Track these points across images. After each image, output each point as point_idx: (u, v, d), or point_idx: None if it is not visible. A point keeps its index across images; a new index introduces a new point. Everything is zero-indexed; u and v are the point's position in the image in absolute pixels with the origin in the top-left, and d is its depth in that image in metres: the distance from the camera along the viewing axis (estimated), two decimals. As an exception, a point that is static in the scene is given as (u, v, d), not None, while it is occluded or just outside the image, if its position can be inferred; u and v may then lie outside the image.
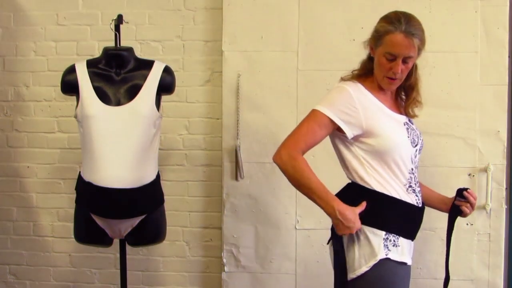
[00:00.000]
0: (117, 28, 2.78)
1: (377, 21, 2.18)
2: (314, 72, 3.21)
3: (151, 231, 2.74)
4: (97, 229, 2.67)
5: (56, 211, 3.52)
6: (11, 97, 3.52)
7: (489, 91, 3.13)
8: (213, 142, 3.40)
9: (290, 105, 3.22)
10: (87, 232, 2.71)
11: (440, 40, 3.07)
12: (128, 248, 2.84)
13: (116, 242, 2.81)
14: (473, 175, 3.15)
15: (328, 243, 2.28)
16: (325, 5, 3.20)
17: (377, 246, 2.10)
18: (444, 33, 3.11)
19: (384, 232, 2.11)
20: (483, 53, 3.13)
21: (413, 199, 2.18)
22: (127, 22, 2.92)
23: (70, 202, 3.30)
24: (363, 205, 2.11)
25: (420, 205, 2.22)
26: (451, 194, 2.32)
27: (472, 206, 2.27)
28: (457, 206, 2.29)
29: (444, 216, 2.34)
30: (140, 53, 3.26)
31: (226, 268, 3.32)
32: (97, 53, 3.22)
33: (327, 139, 2.21)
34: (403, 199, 2.15)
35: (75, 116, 2.68)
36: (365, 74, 2.22)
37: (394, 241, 2.12)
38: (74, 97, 2.70)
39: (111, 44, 2.78)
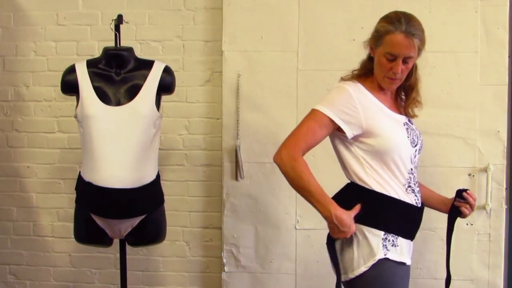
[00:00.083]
0: (117, 28, 2.78)
1: (377, 21, 2.18)
2: (314, 72, 3.21)
3: (151, 231, 2.74)
4: (97, 229, 2.67)
5: (56, 211, 3.52)
6: (11, 97, 3.52)
7: (489, 91, 3.13)
8: (213, 142, 3.40)
9: (290, 105, 3.22)
10: (87, 232, 2.71)
11: (440, 40, 3.07)
12: (128, 248, 2.84)
13: (116, 242, 2.81)
14: (473, 175, 3.15)
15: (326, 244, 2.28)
16: (325, 5, 3.20)
17: (376, 246, 2.10)
18: (444, 33, 3.11)
19: (383, 232, 2.12)
20: (483, 53, 3.13)
21: (412, 199, 2.18)
22: (127, 22, 2.92)
23: (70, 202, 3.30)
24: (357, 208, 2.12)
25: (419, 205, 2.22)
26: (451, 194, 2.32)
27: (471, 207, 2.27)
28: (456, 207, 2.28)
29: (444, 216, 2.34)
30: (140, 53, 3.26)
31: (226, 268, 3.32)
32: (97, 53, 3.22)
33: (327, 139, 2.21)
34: (402, 199, 2.15)
35: (75, 116, 2.68)
36: (365, 74, 2.22)
37: (393, 241, 2.13)
38: (74, 97, 2.70)
39: (111, 44, 2.78)
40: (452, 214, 2.31)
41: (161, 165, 2.98)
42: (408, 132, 2.19)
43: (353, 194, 2.17)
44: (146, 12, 3.40)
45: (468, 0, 3.12)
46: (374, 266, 2.09)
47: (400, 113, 2.24)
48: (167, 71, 2.73)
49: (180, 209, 3.43)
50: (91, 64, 2.71)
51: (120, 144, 2.59)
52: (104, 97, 2.63)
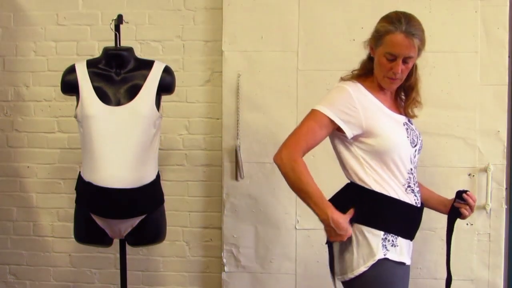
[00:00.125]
0: (117, 28, 2.78)
1: (377, 21, 2.18)
2: (314, 72, 3.21)
3: (151, 231, 2.74)
4: (97, 229, 2.67)
5: (56, 211, 3.52)
6: (11, 97, 3.52)
7: (489, 91, 3.13)
8: (213, 142, 3.40)
9: (290, 105, 3.22)
10: (87, 232, 2.71)
11: (440, 40, 3.07)
12: (128, 248, 2.84)
13: (116, 242, 2.81)
14: (473, 175, 3.15)
15: (326, 243, 2.28)
16: (325, 5, 3.20)
17: (376, 246, 2.10)
18: (444, 33, 3.11)
19: (382, 232, 2.12)
20: (483, 53, 3.13)
21: (412, 199, 2.18)
22: (127, 22, 2.92)
23: (70, 202, 3.30)
24: (351, 212, 2.12)
25: (419, 205, 2.22)
26: (451, 194, 2.32)
27: (471, 208, 2.27)
28: (456, 208, 2.28)
29: (444, 216, 2.34)
30: (140, 53, 3.26)
31: (226, 268, 3.32)
32: (97, 53, 3.22)
33: (327, 139, 2.21)
34: (401, 199, 2.15)
35: (75, 116, 2.68)
36: (365, 74, 2.22)
37: (392, 241, 2.13)
38: (74, 97, 2.70)
39: (111, 44, 2.78)
40: (452, 215, 2.30)
41: (161, 165, 2.98)
42: (407, 132, 2.19)
43: (353, 194, 2.17)
44: (146, 12, 3.40)
45: (468, 0, 3.12)
46: (373, 266, 2.09)
47: (400, 113, 2.24)
48: (167, 71, 2.73)
49: (180, 209, 3.43)
50: (91, 64, 2.71)
51: (120, 144, 2.59)
52: (104, 97, 2.63)
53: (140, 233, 2.70)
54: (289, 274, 3.29)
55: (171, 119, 3.36)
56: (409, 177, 2.18)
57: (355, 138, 2.14)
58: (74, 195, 2.76)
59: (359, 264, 2.11)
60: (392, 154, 2.13)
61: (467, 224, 3.13)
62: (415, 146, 2.21)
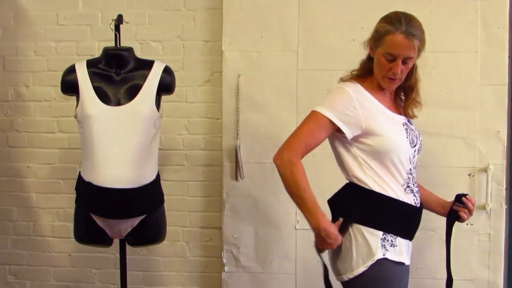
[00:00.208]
0: (117, 28, 2.78)
1: (377, 21, 2.18)
2: (314, 72, 3.21)
3: (151, 231, 2.74)
4: (97, 229, 2.67)
5: (56, 211, 3.53)
6: (11, 97, 3.52)
7: (489, 91, 3.13)
8: (213, 142, 3.40)
9: (290, 105, 3.22)
10: (87, 232, 2.71)
11: (440, 40, 3.07)
12: (128, 248, 2.84)
13: (116, 242, 2.81)
14: (473, 175, 3.15)
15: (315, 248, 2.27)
16: (325, 5, 3.20)
17: (375, 246, 2.10)
18: (444, 33, 3.11)
19: (381, 232, 2.11)
20: (483, 53, 3.13)
21: (411, 199, 2.18)
22: (127, 22, 2.92)
23: (70, 202, 3.29)
24: (339, 223, 2.13)
25: (418, 205, 2.22)
26: (451, 194, 2.32)
27: (470, 212, 2.27)
28: (455, 211, 2.28)
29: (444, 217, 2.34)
30: (140, 53, 3.26)
31: (226, 268, 3.32)
32: (97, 53, 3.22)
33: (327, 139, 2.21)
34: (401, 199, 2.15)
35: (75, 116, 2.68)
36: (364, 74, 2.22)
37: (391, 241, 2.12)
38: (74, 97, 2.70)
39: (111, 44, 2.78)
40: (451, 218, 2.30)
41: (161, 165, 2.98)
42: (407, 133, 2.19)
43: (352, 194, 2.17)
44: (146, 12, 3.40)
45: (468, 0, 3.12)
46: (373, 266, 2.09)
47: (400, 114, 2.24)
48: (167, 71, 2.73)
49: (180, 209, 3.43)
50: (91, 64, 2.71)
51: (120, 144, 2.59)
52: (104, 97, 2.63)
53: (140, 233, 2.70)
54: (289, 274, 3.29)
55: (171, 119, 3.36)
56: (408, 177, 2.18)
57: (355, 138, 2.14)
58: (74, 195, 2.76)
59: (359, 264, 2.11)
60: (391, 154, 2.13)
61: (467, 224, 3.11)
62: (415, 146, 2.21)
